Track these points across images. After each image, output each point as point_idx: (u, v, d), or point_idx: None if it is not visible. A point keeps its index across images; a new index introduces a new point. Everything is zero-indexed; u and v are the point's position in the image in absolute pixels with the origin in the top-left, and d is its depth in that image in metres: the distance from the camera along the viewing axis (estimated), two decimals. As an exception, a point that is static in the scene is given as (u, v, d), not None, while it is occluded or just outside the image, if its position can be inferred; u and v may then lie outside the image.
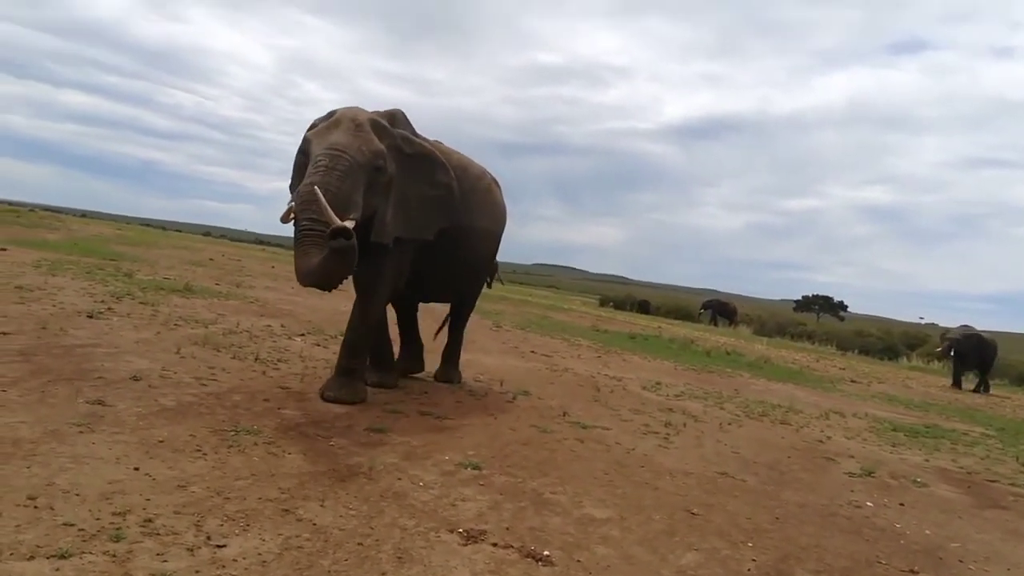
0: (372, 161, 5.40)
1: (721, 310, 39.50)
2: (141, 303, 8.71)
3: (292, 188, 5.84)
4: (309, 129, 5.73)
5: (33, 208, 30.82)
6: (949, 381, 18.85)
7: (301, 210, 4.96)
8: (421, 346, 7.53)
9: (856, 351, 30.29)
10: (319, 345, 8.16)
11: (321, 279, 4.92)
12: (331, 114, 5.71)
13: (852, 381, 16.07)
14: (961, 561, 4.31)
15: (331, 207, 4.78)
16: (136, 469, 3.50)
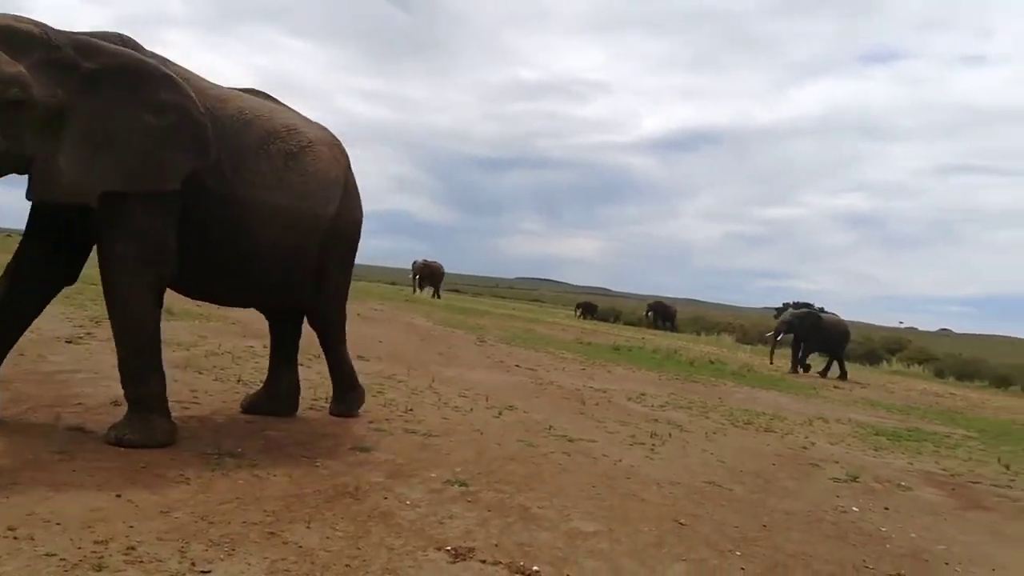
0: None
1: (663, 312, 40.75)
2: (121, 327, 8.62)
3: None
4: None
5: (10, 233, 30.45)
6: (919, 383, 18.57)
7: None
8: (292, 380, 5.88)
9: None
10: (302, 365, 8.08)
11: None
12: None
13: (834, 387, 16.19)
14: (947, 564, 4.34)
15: None
16: (118, 496, 3.46)
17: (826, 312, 19.90)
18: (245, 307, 5.98)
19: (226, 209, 4.67)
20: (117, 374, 5.92)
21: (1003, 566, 4.45)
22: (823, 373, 18.50)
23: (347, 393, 6.06)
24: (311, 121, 5.57)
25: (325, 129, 5.62)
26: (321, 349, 6.05)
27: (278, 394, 5.74)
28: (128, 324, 4.40)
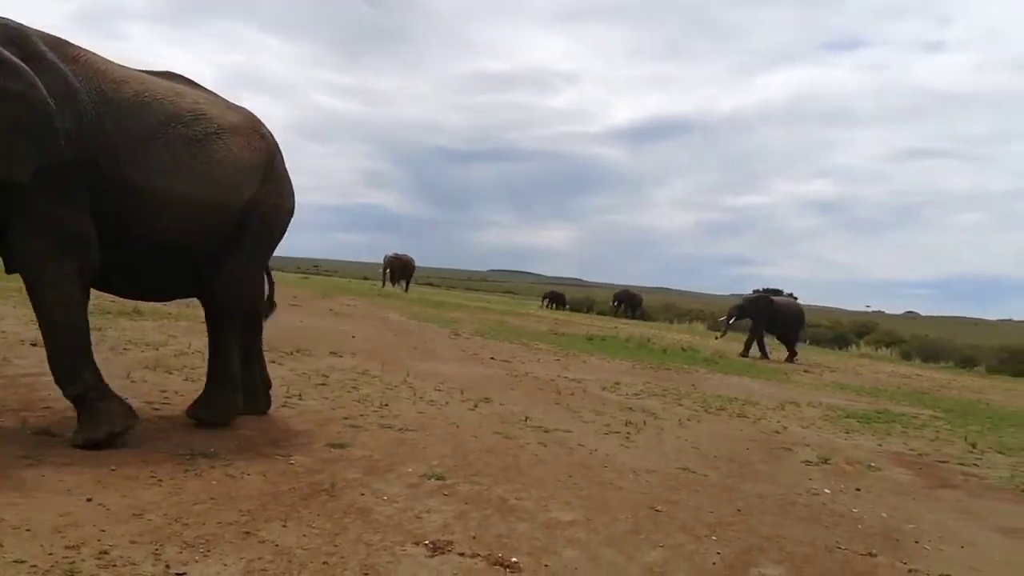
0: None
1: (629, 301, 41.89)
2: (87, 328, 8.46)
3: None
4: None
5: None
6: (897, 366, 19.27)
7: None
8: (262, 377, 5.75)
9: (807, 341, 30.96)
10: (273, 362, 8.01)
11: None
12: None
13: (805, 371, 16.43)
14: (917, 542, 4.43)
15: None
16: (89, 500, 3.40)
17: (793, 296, 20.43)
18: (146, 300, 5.69)
19: (123, 196, 4.40)
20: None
21: (971, 542, 4.55)
22: (789, 359, 18.84)
23: (217, 394, 5.24)
24: (234, 106, 5.30)
25: (249, 115, 5.35)
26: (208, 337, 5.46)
27: (249, 392, 5.53)
28: (52, 319, 4.22)
